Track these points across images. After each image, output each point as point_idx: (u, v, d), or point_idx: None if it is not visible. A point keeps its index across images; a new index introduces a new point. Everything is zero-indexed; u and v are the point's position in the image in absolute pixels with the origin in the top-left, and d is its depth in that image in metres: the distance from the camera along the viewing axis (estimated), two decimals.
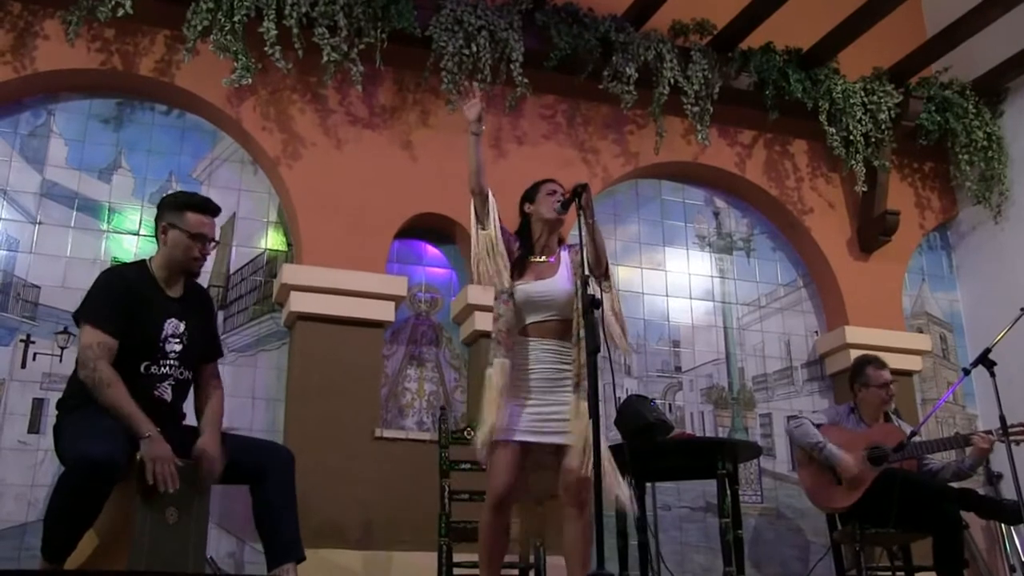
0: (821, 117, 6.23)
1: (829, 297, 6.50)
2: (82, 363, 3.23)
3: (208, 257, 3.62)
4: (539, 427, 3.32)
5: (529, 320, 3.45)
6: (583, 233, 3.29)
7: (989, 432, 4.67)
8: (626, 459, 4.51)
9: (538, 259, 3.54)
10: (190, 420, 3.51)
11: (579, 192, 3.35)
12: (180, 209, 3.50)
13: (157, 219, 3.54)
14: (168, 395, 3.37)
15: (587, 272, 3.22)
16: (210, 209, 3.56)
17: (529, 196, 3.66)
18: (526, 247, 3.57)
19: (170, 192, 3.84)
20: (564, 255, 3.57)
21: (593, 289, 3.24)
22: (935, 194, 6.92)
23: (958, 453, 4.89)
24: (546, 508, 3.51)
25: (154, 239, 3.60)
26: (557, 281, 3.47)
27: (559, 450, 3.33)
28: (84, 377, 3.21)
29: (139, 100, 5.48)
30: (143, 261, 3.57)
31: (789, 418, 5.19)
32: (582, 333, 3.26)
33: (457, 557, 4.14)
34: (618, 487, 3.30)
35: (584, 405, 3.24)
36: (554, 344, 3.41)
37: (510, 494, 3.33)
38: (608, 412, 4.72)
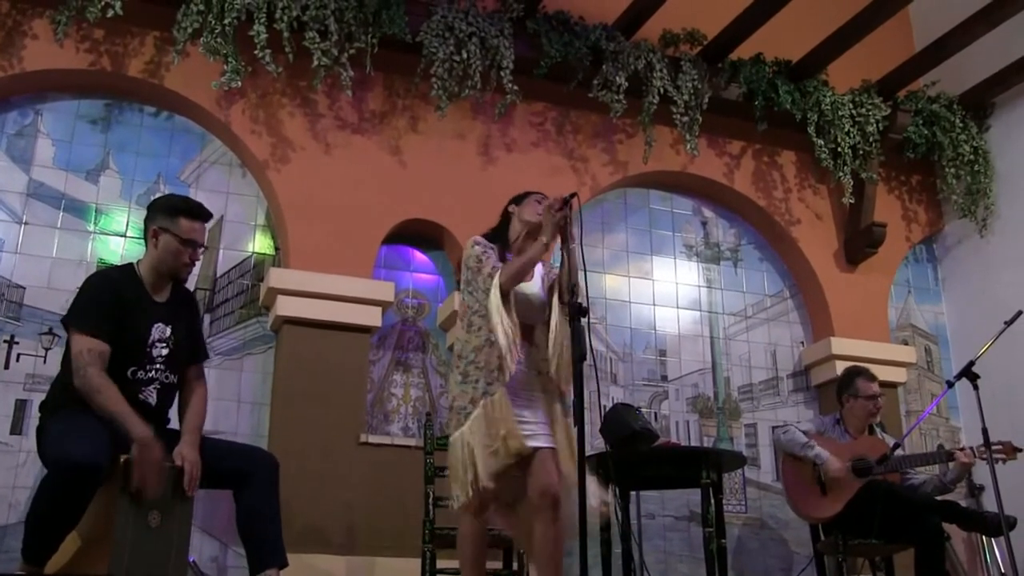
0: (810, 129, 6.26)
1: (815, 308, 6.53)
2: (75, 371, 3.20)
3: (197, 263, 3.61)
4: (523, 432, 3.32)
5: None
6: (564, 253, 3.34)
7: (971, 448, 4.69)
8: (611, 467, 4.53)
9: None
10: (175, 424, 3.49)
11: (568, 200, 3.39)
12: (173, 214, 3.47)
13: (147, 221, 3.50)
14: (153, 399, 3.35)
15: (560, 292, 3.30)
16: (203, 215, 3.54)
17: (516, 200, 3.70)
18: (504, 245, 3.58)
19: (162, 195, 3.80)
20: (539, 265, 3.58)
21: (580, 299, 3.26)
22: (922, 207, 6.96)
23: (941, 467, 4.91)
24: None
25: (142, 241, 3.59)
26: (533, 286, 3.50)
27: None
28: (78, 385, 3.18)
29: (128, 101, 5.47)
30: (130, 264, 3.54)
31: (775, 428, 5.21)
32: (550, 345, 3.33)
33: (440, 564, 4.13)
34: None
35: (559, 408, 3.35)
36: (525, 348, 3.42)
37: (490, 500, 3.33)
38: (593, 420, 4.72)
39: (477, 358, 3.35)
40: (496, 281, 3.33)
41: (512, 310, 3.34)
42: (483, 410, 3.26)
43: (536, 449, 3.29)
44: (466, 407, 3.31)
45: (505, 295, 3.34)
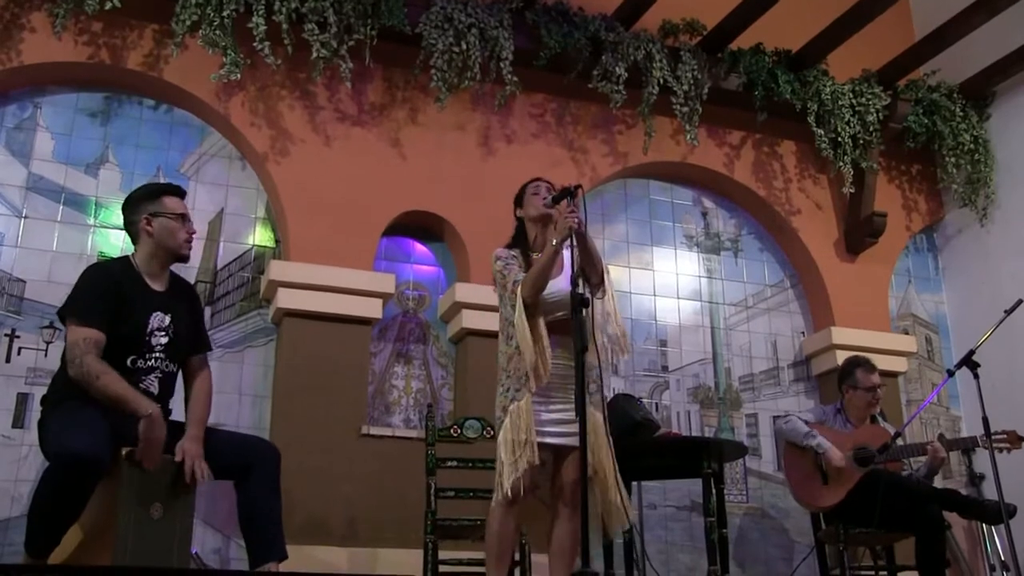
0: (810, 118, 6.25)
1: (816, 298, 6.53)
2: (70, 361, 3.20)
3: (195, 237, 3.62)
4: (560, 429, 3.37)
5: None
6: (575, 244, 3.34)
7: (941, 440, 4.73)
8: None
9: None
10: (176, 416, 3.49)
11: (571, 191, 3.39)
12: (155, 197, 3.50)
13: (132, 216, 3.51)
14: (155, 388, 3.36)
15: (585, 280, 3.31)
16: (180, 191, 3.60)
17: (518, 200, 3.74)
18: (524, 248, 3.62)
19: (133, 190, 3.77)
20: (566, 254, 3.56)
21: (583, 289, 3.26)
22: (922, 196, 6.96)
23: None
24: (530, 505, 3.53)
25: (132, 237, 3.57)
26: (564, 280, 3.48)
27: (560, 450, 3.36)
28: (74, 375, 3.18)
29: (127, 94, 5.46)
30: (126, 257, 3.55)
31: (776, 418, 5.21)
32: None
33: (442, 555, 4.14)
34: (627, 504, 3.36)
35: (595, 411, 3.36)
36: (566, 341, 3.42)
37: (527, 493, 3.35)
38: None
39: (509, 366, 3.44)
40: (519, 296, 3.38)
41: (539, 321, 3.37)
42: (509, 417, 3.34)
43: (569, 448, 3.34)
44: (500, 415, 3.40)
45: (533, 304, 3.37)
